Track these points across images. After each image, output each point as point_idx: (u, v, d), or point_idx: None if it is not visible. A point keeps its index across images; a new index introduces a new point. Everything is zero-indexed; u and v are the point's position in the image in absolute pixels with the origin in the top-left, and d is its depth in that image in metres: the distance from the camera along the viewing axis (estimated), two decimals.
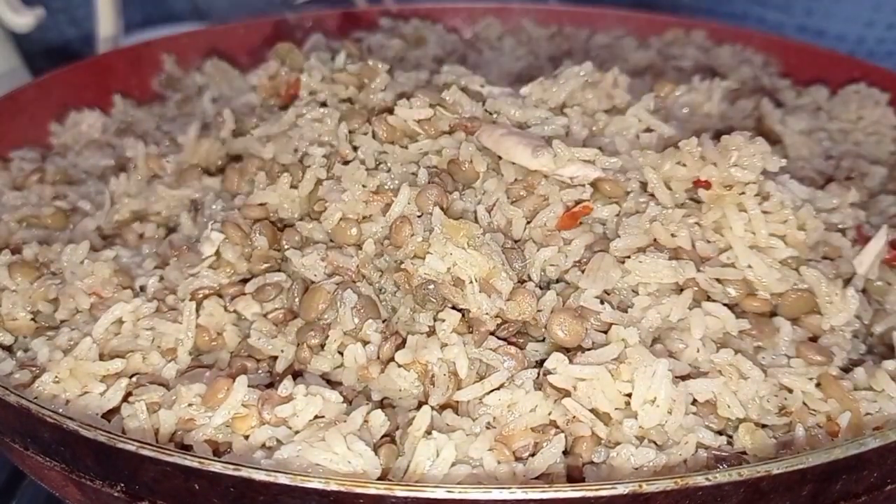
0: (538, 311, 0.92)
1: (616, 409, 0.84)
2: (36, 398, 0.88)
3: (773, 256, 0.96)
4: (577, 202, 1.01)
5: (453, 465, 0.79)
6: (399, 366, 0.90)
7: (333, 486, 0.69)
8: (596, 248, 0.97)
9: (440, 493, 0.70)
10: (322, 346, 0.93)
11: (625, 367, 0.84)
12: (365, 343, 0.93)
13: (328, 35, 1.60)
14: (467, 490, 0.70)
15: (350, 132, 1.10)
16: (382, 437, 0.83)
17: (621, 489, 0.69)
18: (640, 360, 0.84)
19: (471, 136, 1.07)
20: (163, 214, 1.18)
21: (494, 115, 1.11)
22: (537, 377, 0.87)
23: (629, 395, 0.84)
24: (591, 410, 0.84)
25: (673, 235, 0.96)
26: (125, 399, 0.90)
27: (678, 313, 0.91)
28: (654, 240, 0.97)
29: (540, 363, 0.89)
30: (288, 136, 1.12)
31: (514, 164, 1.04)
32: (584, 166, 1.02)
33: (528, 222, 1.00)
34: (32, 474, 0.94)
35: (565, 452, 0.84)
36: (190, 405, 0.86)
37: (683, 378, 0.86)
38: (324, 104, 1.16)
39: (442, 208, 0.97)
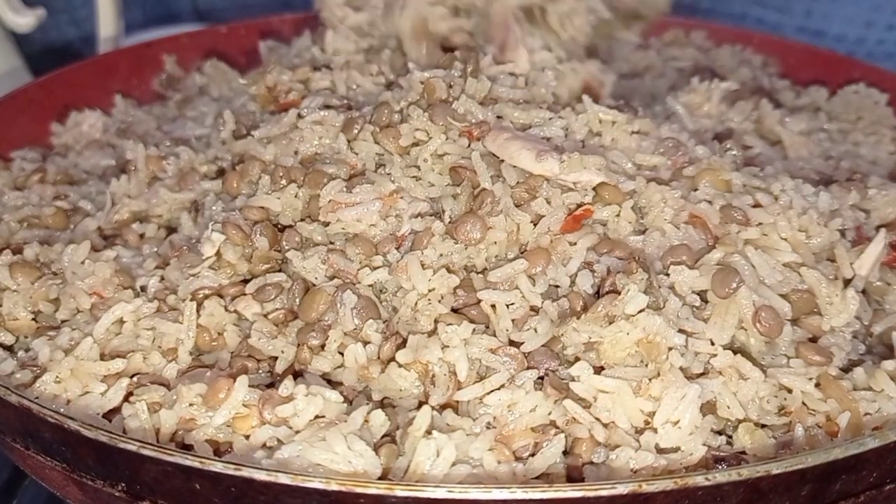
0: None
1: (633, 426, 0.84)
2: (37, 398, 0.88)
3: (776, 259, 0.97)
4: (579, 205, 1.01)
5: (453, 464, 0.79)
6: (399, 366, 0.90)
7: (334, 486, 0.70)
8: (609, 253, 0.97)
9: (440, 493, 0.70)
10: (322, 346, 0.93)
11: (656, 383, 0.84)
12: (365, 343, 0.93)
13: None
14: (467, 490, 0.70)
15: (350, 141, 1.10)
16: (383, 436, 0.83)
17: (621, 489, 0.69)
18: (672, 379, 0.84)
19: (475, 143, 1.08)
20: (164, 217, 1.18)
21: (496, 116, 1.11)
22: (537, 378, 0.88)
23: (649, 415, 0.84)
24: (606, 425, 0.84)
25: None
26: (126, 399, 0.90)
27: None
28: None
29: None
30: (289, 137, 1.13)
31: (515, 167, 1.04)
32: (587, 171, 1.02)
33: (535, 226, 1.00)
34: (33, 474, 0.94)
35: (565, 453, 0.84)
36: (191, 405, 0.86)
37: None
38: (326, 106, 1.16)
39: None
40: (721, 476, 0.71)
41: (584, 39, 1.26)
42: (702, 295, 0.94)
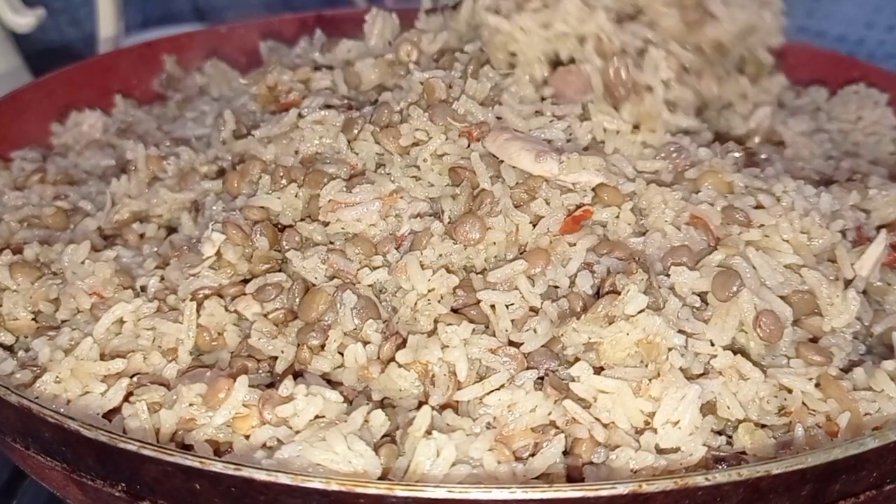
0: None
1: (632, 426, 0.84)
2: (37, 398, 0.88)
3: (778, 260, 0.97)
4: (578, 206, 1.01)
5: (453, 464, 0.79)
6: (399, 366, 0.90)
7: (334, 486, 0.70)
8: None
9: (440, 493, 0.70)
10: (322, 346, 0.93)
11: (656, 383, 0.84)
12: (365, 343, 0.93)
13: (327, 34, 1.60)
14: (467, 490, 0.70)
15: (350, 141, 1.10)
16: (383, 436, 0.83)
17: (621, 489, 0.69)
18: (672, 380, 0.84)
19: (475, 143, 1.07)
20: (164, 217, 1.18)
21: (496, 117, 1.11)
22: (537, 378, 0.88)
23: (649, 415, 0.84)
24: (606, 425, 0.84)
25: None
26: (126, 399, 0.90)
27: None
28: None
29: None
30: (289, 137, 1.13)
31: (514, 167, 1.04)
32: (586, 172, 1.02)
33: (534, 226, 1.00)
34: (33, 474, 0.94)
35: (565, 453, 0.84)
36: (191, 405, 0.86)
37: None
38: (327, 106, 1.16)
39: None
40: (721, 476, 0.71)
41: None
42: (702, 296, 0.94)
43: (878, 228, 1.05)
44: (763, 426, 0.88)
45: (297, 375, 0.92)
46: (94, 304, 1.01)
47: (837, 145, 1.36)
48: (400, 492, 0.70)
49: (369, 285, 0.97)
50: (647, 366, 0.87)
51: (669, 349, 0.87)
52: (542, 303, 0.94)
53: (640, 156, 1.10)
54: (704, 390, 0.85)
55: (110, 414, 0.90)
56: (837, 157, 1.31)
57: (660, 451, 0.83)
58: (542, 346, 0.91)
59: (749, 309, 0.91)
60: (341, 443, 0.79)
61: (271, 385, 0.89)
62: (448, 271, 0.96)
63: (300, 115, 1.14)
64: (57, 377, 0.91)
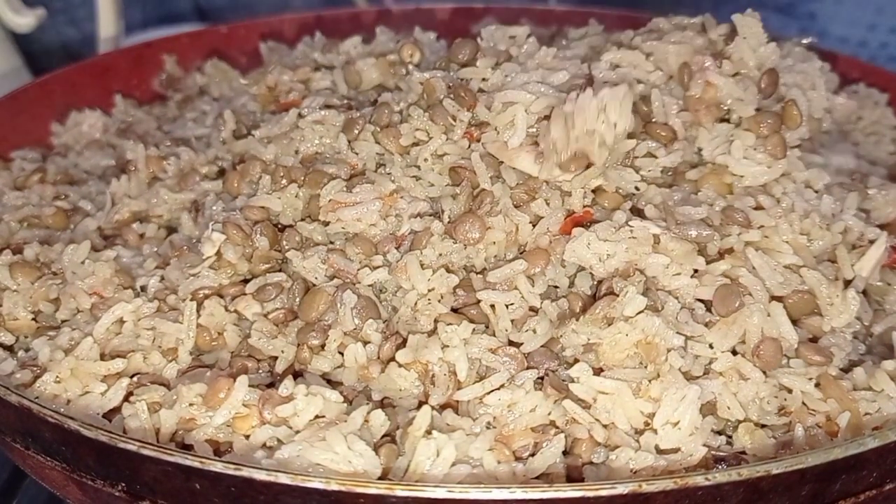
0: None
1: (632, 427, 0.84)
2: (37, 398, 0.88)
3: (777, 260, 0.97)
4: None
5: (453, 464, 0.79)
6: (399, 366, 0.90)
7: (334, 486, 0.70)
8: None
9: (440, 493, 0.70)
10: (322, 346, 0.93)
11: (655, 384, 0.84)
12: (365, 343, 0.93)
13: (327, 35, 1.60)
14: (467, 490, 0.70)
15: (350, 141, 1.10)
16: (383, 436, 0.83)
17: (621, 489, 0.69)
18: (672, 381, 0.84)
19: (476, 143, 1.07)
20: (164, 217, 1.18)
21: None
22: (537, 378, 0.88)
23: (649, 416, 0.84)
24: (606, 426, 0.84)
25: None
26: (126, 399, 0.90)
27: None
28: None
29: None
30: (290, 137, 1.13)
31: (514, 168, 1.04)
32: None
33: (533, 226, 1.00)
34: (33, 474, 0.94)
35: (565, 453, 0.84)
36: (191, 405, 0.86)
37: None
38: (327, 106, 1.16)
39: None
40: (721, 476, 0.71)
41: None
42: (706, 303, 0.94)
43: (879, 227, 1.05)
44: (763, 426, 0.88)
45: (297, 375, 0.92)
46: (94, 304, 1.01)
47: (837, 145, 1.36)
48: (400, 492, 0.70)
49: (369, 285, 0.97)
50: (646, 367, 0.87)
51: (669, 350, 0.87)
52: (541, 303, 0.94)
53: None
54: (704, 391, 0.85)
55: (110, 414, 0.90)
56: None
57: (660, 452, 0.83)
58: (542, 346, 0.91)
59: (755, 332, 0.90)
60: (341, 443, 0.79)
61: (271, 385, 0.89)
62: (448, 271, 0.97)
63: (300, 115, 1.14)
64: (57, 377, 0.91)
